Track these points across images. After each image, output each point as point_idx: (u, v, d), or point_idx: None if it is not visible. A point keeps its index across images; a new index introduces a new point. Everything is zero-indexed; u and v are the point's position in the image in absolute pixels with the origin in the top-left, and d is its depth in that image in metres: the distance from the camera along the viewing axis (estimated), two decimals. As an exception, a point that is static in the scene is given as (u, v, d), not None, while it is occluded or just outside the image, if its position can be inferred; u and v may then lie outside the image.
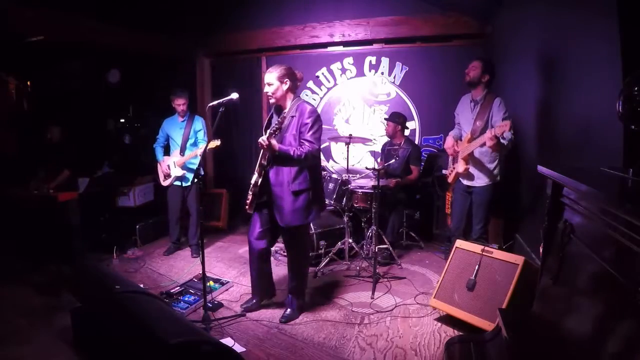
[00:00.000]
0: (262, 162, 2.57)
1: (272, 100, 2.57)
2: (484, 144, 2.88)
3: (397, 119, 4.07)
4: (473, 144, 3.02)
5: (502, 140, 2.82)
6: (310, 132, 2.50)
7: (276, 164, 2.53)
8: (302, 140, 2.50)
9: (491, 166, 3.10)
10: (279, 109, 2.65)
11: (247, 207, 2.67)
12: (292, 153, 2.45)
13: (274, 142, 2.40)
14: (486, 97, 3.09)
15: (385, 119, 4.28)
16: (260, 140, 2.40)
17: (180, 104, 3.96)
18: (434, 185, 4.29)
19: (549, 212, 1.57)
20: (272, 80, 2.54)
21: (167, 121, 4.10)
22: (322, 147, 5.10)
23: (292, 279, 2.79)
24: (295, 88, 2.62)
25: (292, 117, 2.54)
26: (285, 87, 2.56)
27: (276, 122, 2.46)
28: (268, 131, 2.41)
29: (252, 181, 2.60)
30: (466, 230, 3.35)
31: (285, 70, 2.57)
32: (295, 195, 2.54)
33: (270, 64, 5.22)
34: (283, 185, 2.54)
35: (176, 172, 3.96)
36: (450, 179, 3.39)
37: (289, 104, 2.60)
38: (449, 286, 2.65)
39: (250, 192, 2.62)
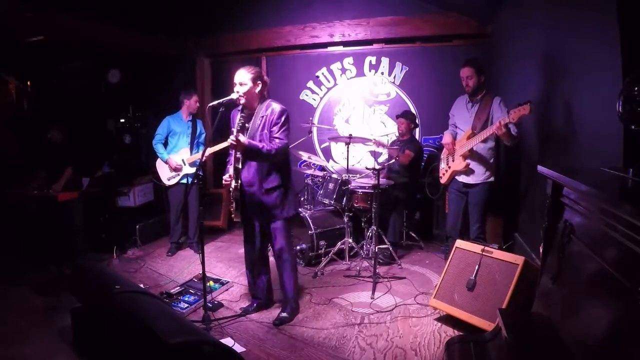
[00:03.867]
0: (237, 165, 2.57)
1: (242, 101, 2.54)
2: (492, 134, 2.89)
3: (409, 116, 4.10)
4: (477, 137, 3.01)
5: (512, 130, 2.81)
6: (280, 130, 2.55)
7: (248, 159, 2.56)
8: (272, 138, 2.55)
9: (487, 163, 3.12)
10: (247, 112, 2.64)
11: (232, 216, 2.68)
12: (261, 147, 2.46)
13: (242, 138, 2.39)
14: (485, 96, 3.10)
15: (397, 116, 4.25)
16: (230, 138, 2.38)
17: (198, 100, 4.08)
18: (426, 187, 4.22)
19: (549, 212, 1.57)
20: (245, 80, 2.51)
21: (171, 119, 4.08)
22: (322, 146, 5.17)
23: (281, 279, 2.80)
24: (263, 92, 2.62)
25: (263, 116, 2.56)
26: (257, 89, 2.56)
27: (241, 119, 2.49)
28: (235, 129, 2.42)
29: (232, 187, 2.58)
30: (463, 230, 3.35)
31: (258, 73, 2.58)
32: (267, 193, 2.60)
33: (270, 64, 5.25)
34: (255, 185, 2.59)
35: (186, 169, 3.99)
36: (444, 180, 3.38)
37: (257, 106, 2.61)
38: (449, 286, 2.65)
39: (232, 199, 2.63)
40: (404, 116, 4.12)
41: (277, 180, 2.62)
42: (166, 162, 4.00)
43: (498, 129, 2.75)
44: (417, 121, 4.20)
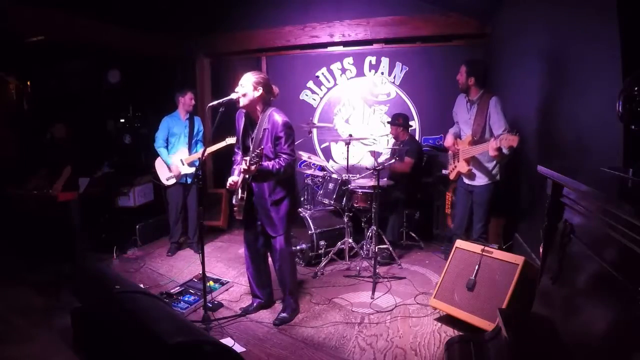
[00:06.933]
0: (245, 177, 2.60)
1: (240, 103, 2.53)
2: (486, 153, 2.94)
3: (395, 122, 4.06)
4: (476, 148, 3.06)
5: (504, 151, 2.85)
6: (286, 145, 2.54)
7: (259, 181, 2.58)
8: (278, 153, 2.54)
9: (490, 166, 3.15)
10: (250, 117, 2.64)
11: (235, 213, 2.69)
12: (271, 168, 2.48)
13: (254, 167, 2.40)
14: (482, 97, 3.12)
15: (388, 122, 4.26)
16: (242, 167, 2.43)
17: (193, 97, 4.05)
18: (437, 184, 4.28)
19: (549, 212, 1.57)
20: (246, 82, 2.53)
21: (169, 119, 4.07)
22: (322, 146, 5.17)
23: (281, 279, 2.80)
24: (267, 100, 2.61)
25: (265, 129, 2.55)
26: (256, 94, 2.53)
27: (254, 147, 2.48)
28: (248, 160, 2.39)
29: (238, 196, 2.61)
30: (467, 229, 3.36)
31: (262, 79, 2.57)
32: (276, 205, 2.62)
33: (270, 64, 5.26)
34: (263, 197, 2.61)
35: (185, 169, 3.98)
36: (452, 176, 3.43)
37: (259, 113, 2.60)
38: (449, 286, 2.65)
39: (235, 205, 2.65)
40: (391, 122, 4.09)
41: (283, 192, 2.64)
42: (169, 167, 4.00)
43: (493, 151, 2.84)
44: (409, 122, 4.17)
